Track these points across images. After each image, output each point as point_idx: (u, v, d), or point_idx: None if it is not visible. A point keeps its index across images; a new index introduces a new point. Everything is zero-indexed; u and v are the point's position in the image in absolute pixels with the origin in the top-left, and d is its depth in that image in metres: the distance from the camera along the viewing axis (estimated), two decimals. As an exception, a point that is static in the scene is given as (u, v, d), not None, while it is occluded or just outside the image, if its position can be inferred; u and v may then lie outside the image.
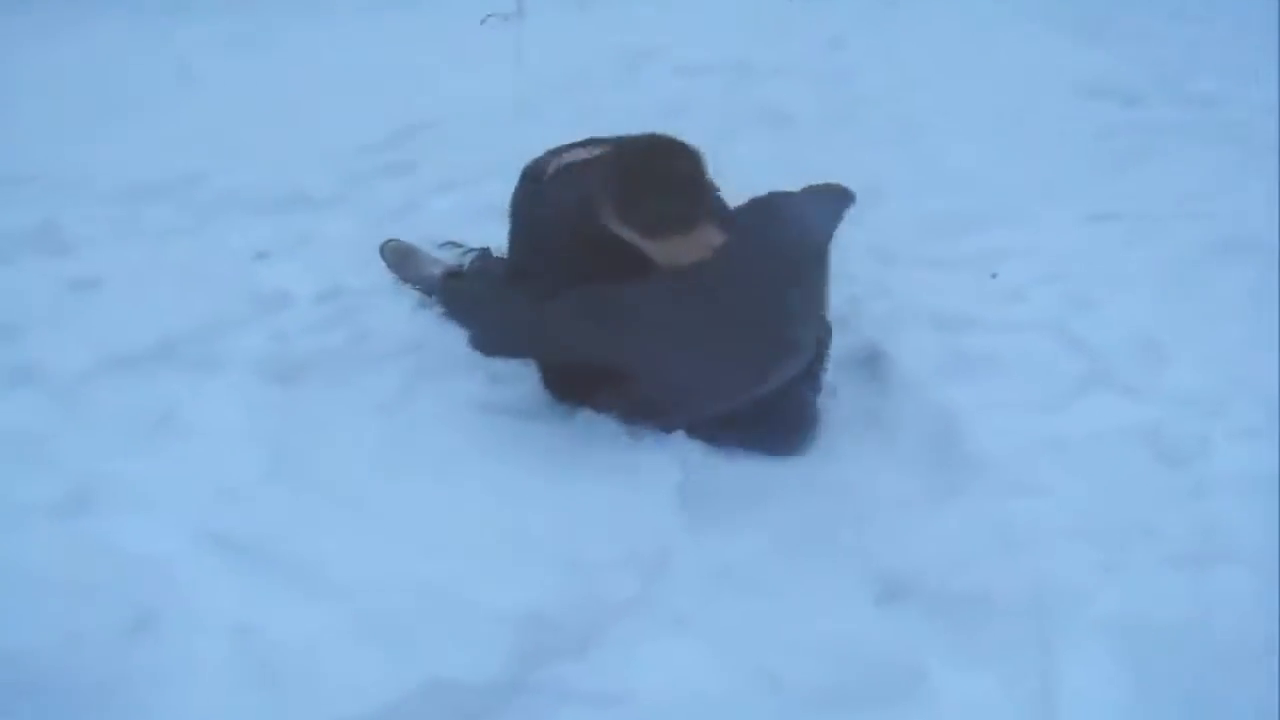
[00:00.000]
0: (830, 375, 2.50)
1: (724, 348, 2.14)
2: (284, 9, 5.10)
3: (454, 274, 2.83)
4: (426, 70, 4.28)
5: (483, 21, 4.82)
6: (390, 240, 3.00)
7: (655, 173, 2.06)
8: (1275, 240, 2.97)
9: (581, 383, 2.38)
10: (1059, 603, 1.87)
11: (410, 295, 2.86)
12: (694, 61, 4.54)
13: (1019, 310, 2.79)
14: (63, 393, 2.37)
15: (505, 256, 2.66)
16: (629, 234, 2.09)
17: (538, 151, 2.85)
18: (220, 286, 2.80)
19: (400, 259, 2.95)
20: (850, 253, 2.68)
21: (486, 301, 2.56)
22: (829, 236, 2.39)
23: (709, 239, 2.10)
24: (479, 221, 2.99)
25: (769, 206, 2.28)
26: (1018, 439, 2.29)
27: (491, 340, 2.45)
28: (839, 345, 2.55)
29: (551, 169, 2.40)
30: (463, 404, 2.47)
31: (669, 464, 2.26)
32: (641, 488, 2.19)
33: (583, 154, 2.41)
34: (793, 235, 2.25)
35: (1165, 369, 2.51)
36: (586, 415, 2.41)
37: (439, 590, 1.90)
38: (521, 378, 2.54)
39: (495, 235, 2.68)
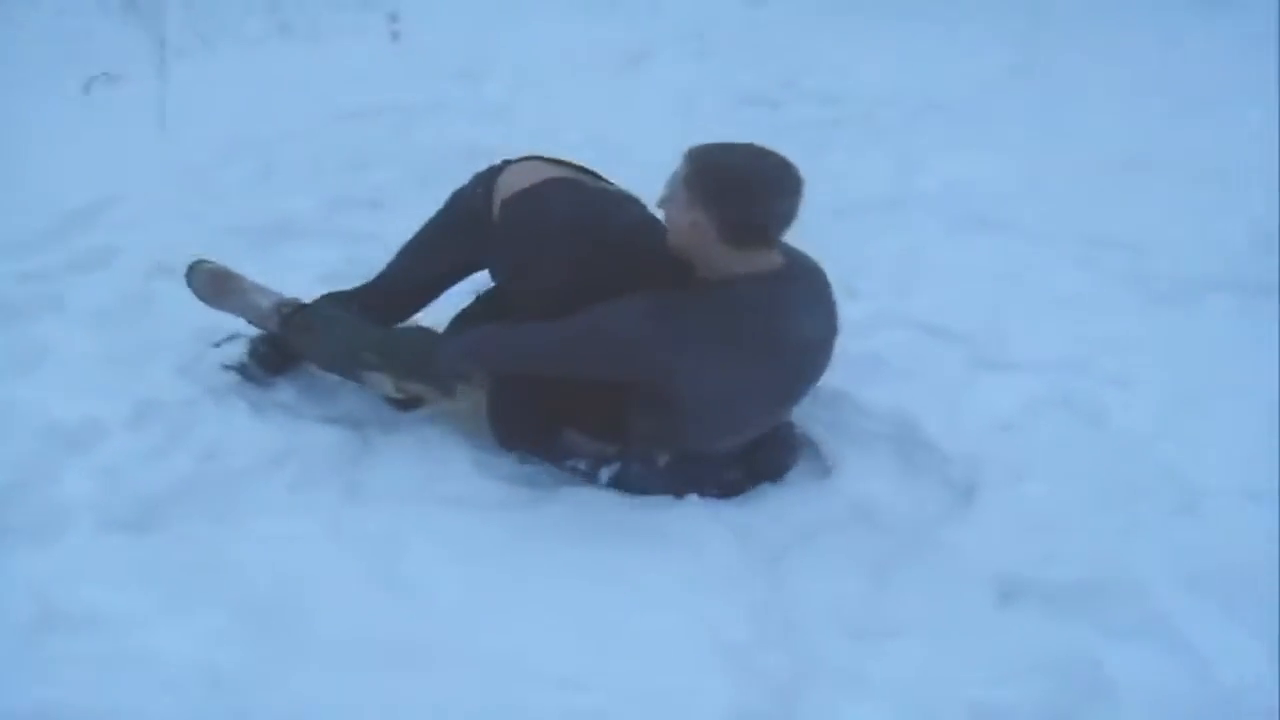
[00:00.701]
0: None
1: (786, 360, 2.11)
2: None
3: (299, 307, 2.44)
4: (69, 141, 3.62)
5: (86, 89, 4.11)
6: (201, 261, 2.51)
7: (766, 181, 1.98)
8: (1009, 216, 3.39)
9: (542, 423, 2.21)
10: (1148, 568, 1.97)
11: (242, 393, 2.45)
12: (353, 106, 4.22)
13: (858, 308, 2.88)
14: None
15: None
16: (711, 238, 1.98)
17: (249, 219, 3.03)
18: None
19: (217, 285, 2.48)
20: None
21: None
22: None
23: (773, 258, 2.07)
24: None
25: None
26: (969, 429, 2.37)
27: (485, 349, 2.19)
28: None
29: (534, 182, 2.21)
30: (406, 499, 2.18)
31: (698, 517, 2.12)
32: (700, 550, 2.04)
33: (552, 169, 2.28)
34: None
35: (1019, 340, 2.72)
36: (564, 492, 2.22)
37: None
38: (430, 458, 2.31)
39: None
